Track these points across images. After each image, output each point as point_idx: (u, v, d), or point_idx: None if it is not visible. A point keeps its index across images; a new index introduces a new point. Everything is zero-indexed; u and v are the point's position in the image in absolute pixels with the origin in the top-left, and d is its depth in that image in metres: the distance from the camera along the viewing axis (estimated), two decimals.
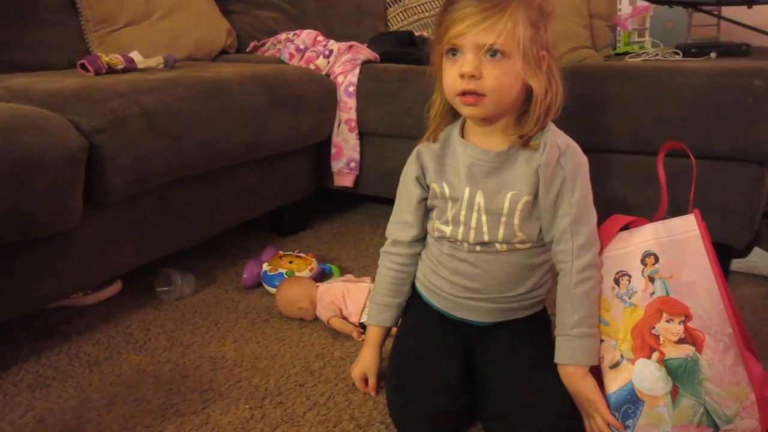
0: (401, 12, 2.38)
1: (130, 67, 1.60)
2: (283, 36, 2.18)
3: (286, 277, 1.53)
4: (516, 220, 0.98)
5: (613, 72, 1.50)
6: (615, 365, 0.93)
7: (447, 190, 1.02)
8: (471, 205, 1.00)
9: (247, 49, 2.30)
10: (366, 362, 1.12)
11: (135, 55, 1.65)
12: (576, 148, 0.98)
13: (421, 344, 1.07)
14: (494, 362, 1.03)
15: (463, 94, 0.92)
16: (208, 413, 1.08)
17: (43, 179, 1.09)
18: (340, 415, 1.07)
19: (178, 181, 1.44)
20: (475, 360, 1.06)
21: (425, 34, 2.22)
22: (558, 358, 0.96)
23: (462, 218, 1.01)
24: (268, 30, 2.33)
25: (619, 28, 2.03)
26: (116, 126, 1.23)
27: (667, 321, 0.91)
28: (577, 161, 0.97)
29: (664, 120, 1.41)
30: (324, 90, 1.86)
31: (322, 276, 1.64)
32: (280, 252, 1.67)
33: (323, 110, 1.85)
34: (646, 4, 1.96)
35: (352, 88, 1.87)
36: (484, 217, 1.00)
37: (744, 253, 1.56)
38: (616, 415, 0.91)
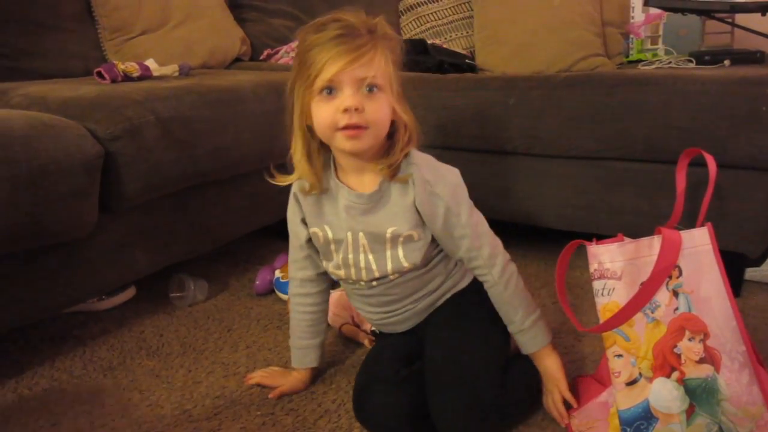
0: (414, 20, 2.38)
1: (146, 75, 1.62)
2: (296, 44, 2.19)
3: None
4: (400, 253, 1.02)
5: (626, 80, 1.50)
6: (632, 382, 0.91)
7: (329, 233, 1.05)
8: (356, 247, 1.03)
9: (261, 57, 2.32)
10: (291, 384, 1.16)
11: (150, 63, 1.67)
12: (444, 171, 1.00)
13: (372, 353, 1.15)
14: (430, 338, 1.07)
15: (345, 128, 0.91)
16: (220, 419, 1.08)
17: (60, 186, 1.11)
18: (351, 422, 1.07)
19: (191, 188, 1.45)
20: (423, 345, 1.09)
21: (438, 42, 2.22)
22: (526, 349, 1.04)
23: (351, 261, 1.05)
24: (282, 38, 2.35)
25: (631, 36, 2.03)
26: (132, 133, 1.25)
27: (689, 339, 0.89)
28: (451, 184, 1.00)
29: (677, 128, 1.40)
30: None
31: (333, 283, 1.64)
32: None
33: None
34: (659, 11, 1.95)
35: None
36: (371, 256, 1.03)
37: (758, 262, 1.55)
38: (627, 430, 0.90)
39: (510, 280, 1.02)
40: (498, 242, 1.04)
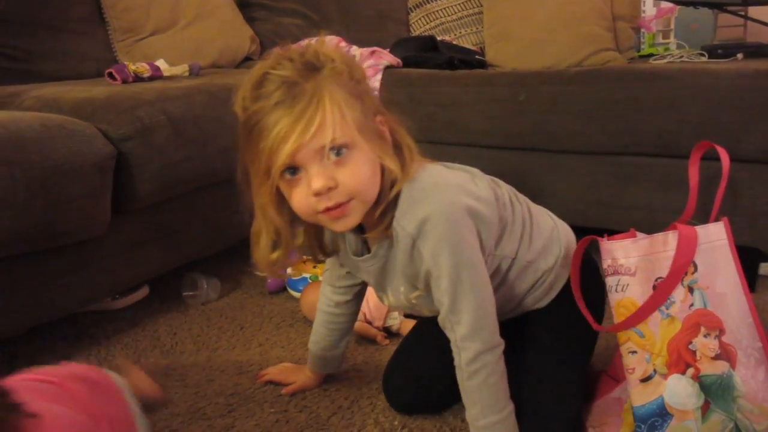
0: (423, 16, 2.38)
1: (156, 76, 1.63)
2: (305, 42, 2.19)
3: (310, 281, 1.54)
4: (425, 309, 0.94)
5: (637, 74, 1.49)
6: (646, 379, 0.89)
7: (370, 284, 0.99)
8: (392, 305, 0.99)
9: None
10: (304, 381, 1.15)
11: (161, 63, 1.68)
12: (435, 217, 0.80)
13: (415, 339, 1.13)
14: None
15: (326, 210, 0.78)
16: (234, 417, 1.09)
17: (73, 187, 1.12)
18: (365, 419, 1.07)
19: (203, 187, 1.46)
20: None
21: (447, 38, 2.22)
22: None
23: (397, 309, 1.01)
24: (291, 36, 2.32)
25: (643, 30, 2.02)
26: (143, 134, 1.25)
27: (705, 336, 0.88)
28: (438, 236, 0.81)
29: (690, 123, 1.39)
30: None
31: None
32: (304, 257, 1.67)
33: None
34: (671, 5, 1.94)
35: (374, 93, 1.87)
36: (407, 310, 0.99)
37: None
38: (642, 426, 0.89)
39: (479, 372, 0.84)
40: (486, 326, 0.85)
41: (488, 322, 0.85)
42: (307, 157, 0.75)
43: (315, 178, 0.75)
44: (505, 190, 0.97)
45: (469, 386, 0.86)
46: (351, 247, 0.93)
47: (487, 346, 0.85)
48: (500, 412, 0.86)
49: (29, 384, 0.72)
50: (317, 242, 0.92)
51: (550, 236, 0.99)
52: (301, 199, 0.78)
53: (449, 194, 0.83)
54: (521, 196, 0.99)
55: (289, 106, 0.73)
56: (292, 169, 0.76)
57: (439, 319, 0.87)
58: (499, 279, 0.94)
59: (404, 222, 0.81)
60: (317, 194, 0.76)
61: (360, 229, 0.89)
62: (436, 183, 0.84)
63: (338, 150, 0.75)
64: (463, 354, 0.85)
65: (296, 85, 0.74)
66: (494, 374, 0.85)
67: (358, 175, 0.77)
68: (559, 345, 0.99)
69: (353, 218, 0.80)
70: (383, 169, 0.81)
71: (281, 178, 0.77)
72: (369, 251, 0.91)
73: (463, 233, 0.82)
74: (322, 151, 0.74)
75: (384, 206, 0.82)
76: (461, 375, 0.87)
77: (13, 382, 0.66)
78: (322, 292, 1.11)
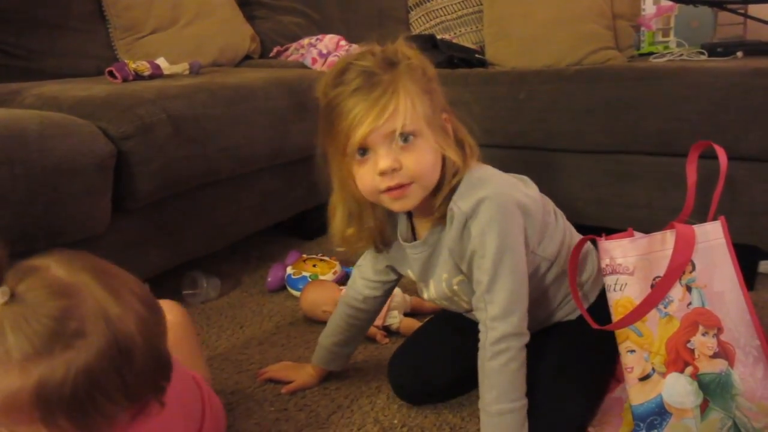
0: (423, 15, 2.38)
1: (157, 74, 1.63)
2: (305, 41, 2.20)
3: (310, 280, 1.54)
4: (464, 298, 0.97)
5: (637, 73, 1.49)
6: (645, 377, 0.90)
7: (413, 276, 1.03)
8: (431, 298, 1.02)
9: (271, 55, 2.32)
10: (304, 380, 1.16)
11: (161, 61, 1.68)
12: (489, 200, 0.86)
13: (423, 334, 1.17)
14: None
15: (388, 189, 0.84)
16: (234, 415, 1.09)
17: (74, 185, 1.12)
18: (364, 418, 1.07)
19: (203, 185, 1.46)
20: None
21: (447, 36, 2.22)
22: None
23: (438, 302, 1.03)
24: (291, 35, 2.35)
25: (643, 28, 2.02)
26: (143, 132, 1.25)
27: (703, 334, 0.88)
28: (489, 217, 0.86)
29: (689, 121, 1.39)
30: None
31: (345, 279, 1.65)
32: (304, 255, 1.68)
33: None
34: (671, 3, 1.94)
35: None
36: (445, 302, 1.01)
37: None
38: (641, 425, 0.89)
39: (500, 355, 0.87)
40: (518, 311, 0.88)
41: (520, 309, 0.88)
42: (378, 140, 0.82)
43: (382, 158, 0.82)
44: (551, 204, 1.03)
45: (490, 367, 0.88)
46: (401, 233, 0.99)
47: (515, 330, 0.88)
48: (514, 401, 0.88)
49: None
50: (378, 229, 0.97)
51: (585, 252, 1.04)
52: (366, 176, 0.85)
53: (504, 186, 0.91)
54: (565, 219, 1.06)
55: (367, 92, 0.81)
56: (363, 150, 0.84)
57: (474, 299, 0.91)
58: (536, 281, 0.97)
59: (461, 203, 0.88)
60: (382, 173, 0.83)
61: (411, 215, 0.98)
62: (492, 175, 0.92)
63: (406, 137, 0.83)
64: (489, 333, 0.88)
65: (375, 75, 0.82)
66: (515, 361, 0.88)
67: (422, 161, 0.84)
68: (579, 350, 1.00)
69: (412, 200, 0.86)
70: (444, 162, 0.88)
71: (353, 158, 0.85)
72: (416, 240, 0.98)
73: (512, 223, 0.88)
74: (392, 135, 0.82)
75: (444, 194, 0.88)
76: (483, 355, 0.89)
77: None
78: (351, 286, 1.13)
